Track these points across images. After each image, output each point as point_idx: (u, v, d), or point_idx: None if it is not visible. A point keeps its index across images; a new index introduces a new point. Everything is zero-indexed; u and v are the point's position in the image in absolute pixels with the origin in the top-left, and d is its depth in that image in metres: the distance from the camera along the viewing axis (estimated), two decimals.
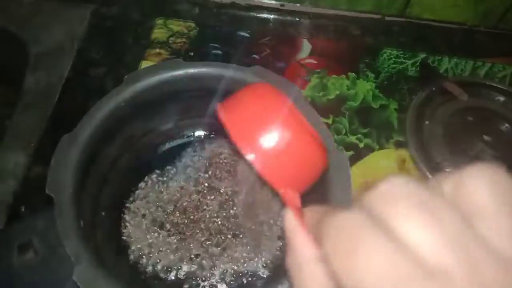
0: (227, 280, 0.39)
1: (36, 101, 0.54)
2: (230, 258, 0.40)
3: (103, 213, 0.41)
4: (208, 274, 0.39)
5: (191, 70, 0.39)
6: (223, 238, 0.41)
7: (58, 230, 0.32)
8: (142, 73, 0.39)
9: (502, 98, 0.53)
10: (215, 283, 0.39)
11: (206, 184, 0.44)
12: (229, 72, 0.40)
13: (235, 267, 0.40)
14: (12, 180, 0.47)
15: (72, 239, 0.32)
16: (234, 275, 0.39)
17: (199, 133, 0.47)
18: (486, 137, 0.49)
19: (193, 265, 0.39)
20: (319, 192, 0.38)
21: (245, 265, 0.40)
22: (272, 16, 0.63)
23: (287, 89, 0.40)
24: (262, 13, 0.63)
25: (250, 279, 0.39)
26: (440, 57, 0.58)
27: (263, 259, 0.40)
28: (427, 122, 0.51)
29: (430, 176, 0.48)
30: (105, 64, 0.57)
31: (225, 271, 0.40)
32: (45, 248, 0.33)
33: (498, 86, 0.54)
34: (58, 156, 0.35)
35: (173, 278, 0.39)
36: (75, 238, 0.32)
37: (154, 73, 0.39)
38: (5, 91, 0.65)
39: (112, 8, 0.63)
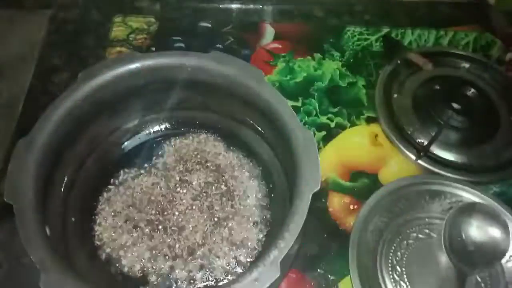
0: (204, 276, 0.38)
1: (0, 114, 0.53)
2: (207, 253, 0.39)
3: (73, 218, 0.39)
4: (185, 272, 0.38)
5: (148, 62, 0.38)
6: (198, 232, 0.40)
7: (21, 238, 0.31)
8: (97, 69, 0.38)
9: (467, 65, 0.54)
10: (192, 280, 0.38)
11: (178, 178, 0.43)
12: (187, 60, 0.39)
13: (213, 262, 0.39)
14: None
15: (36, 246, 0.30)
16: (211, 271, 0.38)
17: (165, 126, 0.46)
18: (454, 104, 0.49)
19: (168, 263, 0.38)
20: (289, 173, 0.38)
21: (223, 259, 0.39)
22: (234, 6, 0.62)
23: (248, 72, 0.39)
24: (224, 3, 0.62)
25: (227, 274, 0.38)
26: (403, 30, 0.58)
27: (240, 253, 0.39)
28: (395, 95, 0.51)
29: (403, 148, 0.48)
30: (68, 69, 0.56)
31: (201, 266, 0.39)
32: (9, 259, 0.32)
33: (462, 53, 0.54)
34: (14, 162, 0.33)
35: (149, 278, 0.38)
36: (39, 245, 0.31)
37: (110, 68, 0.38)
38: None
39: (70, 12, 0.61)
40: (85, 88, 0.37)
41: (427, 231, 0.42)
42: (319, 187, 0.33)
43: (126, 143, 0.44)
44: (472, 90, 0.50)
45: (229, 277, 0.38)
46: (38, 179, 0.34)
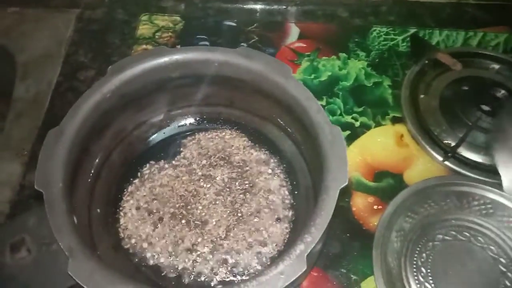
0: (227, 270, 0.38)
1: (27, 110, 0.54)
2: (229, 247, 0.39)
3: (99, 210, 0.40)
4: (207, 264, 0.38)
5: (176, 56, 0.39)
6: (221, 227, 0.40)
7: (50, 225, 0.31)
8: (126, 63, 0.38)
9: (496, 66, 0.53)
10: (214, 274, 0.38)
11: (201, 173, 0.43)
12: (215, 55, 0.39)
13: (235, 257, 0.39)
14: (7, 189, 0.46)
15: (65, 233, 0.31)
16: (234, 266, 0.38)
17: (190, 121, 0.46)
18: (483, 106, 0.48)
19: (191, 255, 0.38)
20: (313, 169, 0.38)
21: (245, 255, 0.39)
22: (258, 6, 0.62)
23: (276, 67, 0.39)
24: (248, 4, 0.62)
25: (249, 269, 0.38)
26: (431, 30, 0.57)
27: (263, 249, 0.39)
28: (422, 96, 0.50)
29: (430, 149, 0.47)
30: (94, 66, 0.57)
31: (225, 260, 0.39)
32: (38, 245, 0.32)
33: (492, 54, 0.53)
34: (45, 151, 0.34)
35: (172, 269, 0.38)
36: (67, 232, 0.31)
37: (138, 62, 0.38)
38: None
39: (97, 11, 0.62)
40: (113, 81, 0.37)
41: (453, 233, 0.41)
42: (347, 183, 0.33)
43: (151, 137, 0.45)
44: (502, 91, 0.49)
45: (251, 272, 0.38)
46: (67, 168, 0.34)
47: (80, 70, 0.57)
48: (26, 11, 0.63)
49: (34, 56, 0.59)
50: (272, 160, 0.44)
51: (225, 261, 0.38)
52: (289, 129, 0.42)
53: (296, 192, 0.42)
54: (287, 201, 0.42)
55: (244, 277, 0.38)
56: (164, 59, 0.39)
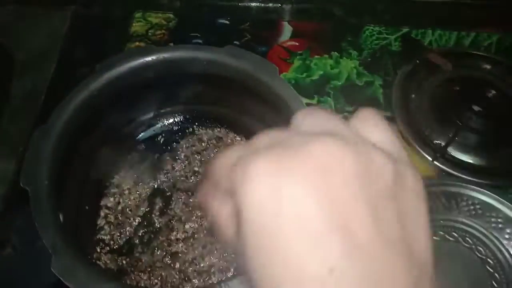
0: (214, 269, 0.38)
1: (22, 107, 0.54)
2: (220, 249, 0.39)
3: (87, 207, 0.40)
4: (188, 261, 0.39)
5: (164, 55, 0.39)
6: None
7: (35, 222, 0.31)
8: (114, 61, 0.38)
9: (488, 66, 0.52)
10: (198, 268, 0.38)
11: (190, 171, 0.43)
12: (202, 53, 0.39)
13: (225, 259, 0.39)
14: (1, 186, 0.47)
15: (49, 230, 0.31)
16: (222, 270, 0.39)
17: (180, 119, 0.46)
18: (474, 106, 0.48)
19: (167, 259, 0.39)
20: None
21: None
22: (253, 4, 0.62)
23: (263, 66, 0.39)
24: (244, 1, 0.62)
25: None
26: (423, 30, 0.57)
27: None
28: (413, 96, 0.50)
29: (420, 149, 0.47)
30: (89, 63, 0.57)
31: (215, 260, 0.39)
32: (23, 243, 0.33)
33: (484, 54, 0.53)
34: (32, 149, 0.34)
35: (154, 265, 0.38)
36: (51, 229, 0.31)
37: (126, 60, 0.38)
38: None
39: (92, 8, 0.62)
40: (101, 79, 0.38)
41: (441, 233, 0.41)
42: None
43: (140, 135, 0.45)
44: (493, 92, 0.49)
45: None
46: (53, 166, 0.35)
47: (76, 67, 0.57)
48: (23, 8, 0.63)
49: (30, 53, 0.60)
50: None
51: (215, 263, 0.39)
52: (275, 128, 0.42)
53: None
54: None
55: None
56: (152, 57, 0.39)
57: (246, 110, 0.44)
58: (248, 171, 0.15)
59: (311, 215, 0.14)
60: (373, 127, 0.18)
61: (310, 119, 0.18)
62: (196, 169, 0.43)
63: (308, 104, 0.49)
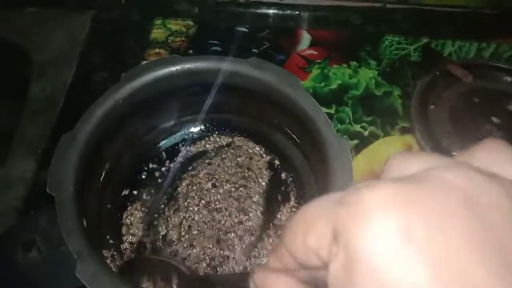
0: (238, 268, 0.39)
1: (41, 108, 0.55)
2: (243, 252, 0.40)
3: (108, 213, 0.41)
4: (218, 268, 0.39)
5: (188, 65, 0.39)
6: (232, 232, 0.41)
7: (60, 228, 0.32)
8: (139, 71, 0.39)
9: (509, 79, 0.52)
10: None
11: (209, 179, 0.43)
12: (226, 65, 0.39)
13: (250, 261, 0.39)
14: (20, 186, 0.48)
15: (74, 236, 0.32)
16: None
17: (200, 128, 0.47)
18: (494, 119, 0.48)
19: (202, 260, 0.39)
20: (320, 181, 0.38)
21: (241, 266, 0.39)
22: (271, 11, 0.62)
23: (285, 79, 0.39)
24: (261, 9, 0.62)
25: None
26: (443, 41, 0.57)
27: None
28: (432, 107, 0.50)
29: None
30: (108, 68, 0.58)
31: (238, 264, 0.39)
32: (48, 246, 0.33)
33: (505, 66, 0.53)
34: (58, 155, 0.35)
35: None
36: (77, 235, 0.32)
37: (151, 70, 0.39)
38: (12, 102, 0.66)
39: (112, 13, 0.63)
40: (126, 88, 0.38)
41: None
42: None
43: (162, 143, 0.46)
44: None
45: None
46: (78, 173, 0.35)
47: (95, 71, 0.57)
48: (43, 11, 0.64)
49: (49, 56, 0.60)
50: (280, 170, 0.44)
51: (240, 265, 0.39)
52: (298, 140, 0.42)
53: (302, 202, 0.42)
54: (294, 212, 0.42)
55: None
56: (176, 68, 0.39)
57: (266, 120, 0.44)
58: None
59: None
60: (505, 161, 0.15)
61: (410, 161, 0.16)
62: (216, 177, 0.43)
63: (325, 114, 0.49)
